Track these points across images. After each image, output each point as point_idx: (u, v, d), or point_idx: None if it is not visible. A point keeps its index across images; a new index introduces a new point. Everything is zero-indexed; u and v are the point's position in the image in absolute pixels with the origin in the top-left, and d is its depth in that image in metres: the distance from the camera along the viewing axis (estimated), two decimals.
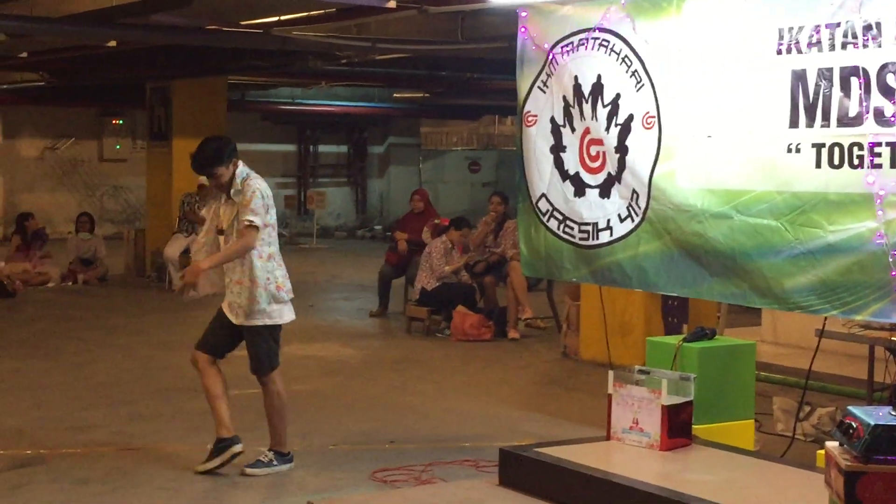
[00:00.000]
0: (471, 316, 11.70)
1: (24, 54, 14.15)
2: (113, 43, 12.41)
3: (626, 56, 6.26)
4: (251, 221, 6.58)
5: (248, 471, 6.67)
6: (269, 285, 6.66)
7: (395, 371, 10.16)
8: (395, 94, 23.30)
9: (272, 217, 6.73)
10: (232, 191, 6.69)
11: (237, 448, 6.72)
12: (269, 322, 6.71)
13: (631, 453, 5.79)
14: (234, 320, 6.73)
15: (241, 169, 6.74)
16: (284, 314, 6.77)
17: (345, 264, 19.22)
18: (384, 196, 27.05)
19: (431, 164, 27.17)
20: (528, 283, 11.84)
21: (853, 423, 3.88)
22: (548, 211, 6.87)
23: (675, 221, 6.05)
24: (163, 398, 8.78)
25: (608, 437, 5.99)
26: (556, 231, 6.83)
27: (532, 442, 6.62)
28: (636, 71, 6.20)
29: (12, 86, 19.62)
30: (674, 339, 6.60)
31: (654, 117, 6.11)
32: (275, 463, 6.74)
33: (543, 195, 6.88)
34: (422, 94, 22.39)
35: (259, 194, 6.63)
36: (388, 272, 13.31)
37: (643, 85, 6.17)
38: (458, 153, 27.33)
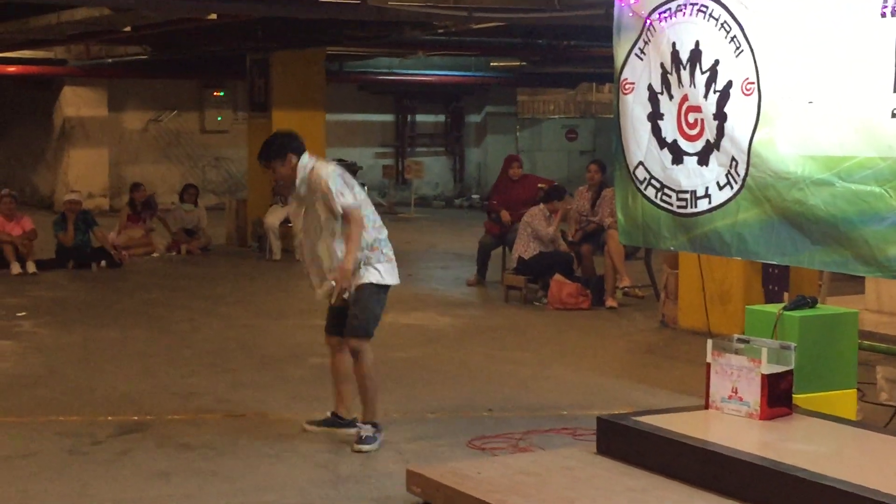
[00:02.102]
0: (568, 285, 11.68)
1: (128, 28, 14.39)
2: (213, 16, 12.57)
3: (724, 21, 6.18)
4: (344, 205, 6.61)
5: (357, 447, 6.65)
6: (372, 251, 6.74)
7: (493, 339, 10.20)
8: (491, 63, 23.25)
9: (357, 192, 6.75)
10: (297, 184, 6.76)
11: (351, 431, 6.81)
12: (377, 282, 6.76)
13: (730, 422, 5.75)
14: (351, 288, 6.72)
15: (304, 161, 6.76)
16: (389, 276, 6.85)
17: (442, 233, 19.29)
18: (481, 165, 27.05)
19: (528, 133, 27.09)
20: (625, 251, 11.77)
21: None
22: (645, 179, 6.83)
23: (776, 189, 5.97)
24: (264, 366, 8.93)
25: (707, 406, 5.96)
26: (654, 199, 6.78)
27: (630, 410, 6.62)
28: (735, 36, 6.12)
29: (117, 59, 20.01)
30: (774, 308, 6.53)
31: (753, 83, 6.03)
32: (377, 435, 6.73)
33: (641, 163, 6.83)
34: (519, 63, 22.31)
35: (332, 178, 6.63)
36: (489, 242, 13.33)
37: (742, 51, 6.08)
38: (556, 121, 27.20)
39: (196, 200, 16.60)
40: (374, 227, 6.79)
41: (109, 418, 7.32)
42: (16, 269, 13.68)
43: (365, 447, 6.63)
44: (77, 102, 22.30)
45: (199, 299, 12.25)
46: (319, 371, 8.48)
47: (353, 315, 6.74)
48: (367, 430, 6.71)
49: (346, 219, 6.64)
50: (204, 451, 6.64)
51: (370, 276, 6.73)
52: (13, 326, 10.54)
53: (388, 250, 6.85)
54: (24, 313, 11.14)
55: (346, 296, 6.72)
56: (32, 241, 14.11)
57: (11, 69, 21.05)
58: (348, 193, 6.65)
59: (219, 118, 23.93)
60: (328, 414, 7.00)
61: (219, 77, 22.68)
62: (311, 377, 8.49)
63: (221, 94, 23.81)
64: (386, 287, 6.84)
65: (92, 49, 20.07)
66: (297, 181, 6.75)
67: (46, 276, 13.69)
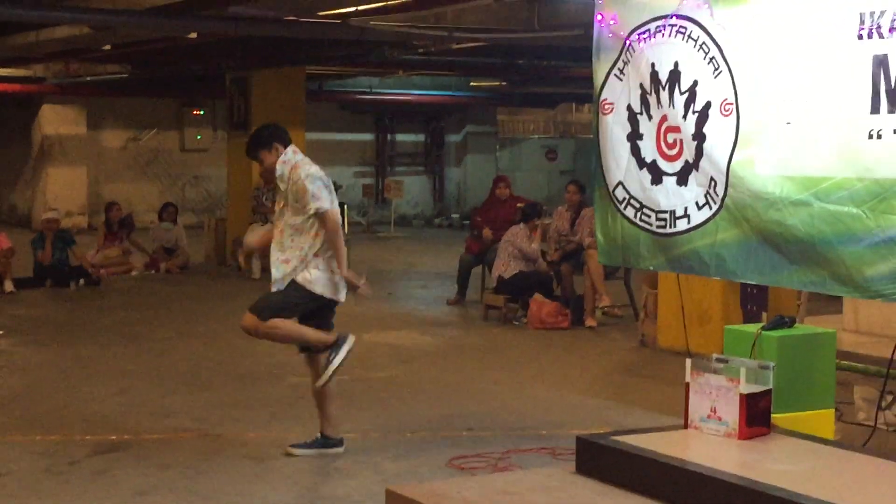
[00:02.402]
0: (548, 304, 11.69)
1: (108, 47, 14.38)
2: (193, 35, 12.58)
3: (703, 42, 6.22)
4: (318, 208, 6.68)
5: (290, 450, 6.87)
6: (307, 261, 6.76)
7: (473, 359, 10.19)
8: (471, 83, 23.31)
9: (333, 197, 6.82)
10: (278, 173, 6.82)
11: (340, 450, 6.89)
12: (302, 283, 6.76)
13: (709, 442, 5.75)
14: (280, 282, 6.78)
15: (289, 154, 6.86)
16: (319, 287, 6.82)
17: (422, 253, 19.29)
18: (461, 184, 27.08)
19: (508, 153, 27.15)
20: (604, 271, 11.80)
21: None
22: (624, 199, 6.84)
23: (754, 209, 6.00)
24: (243, 385, 8.90)
25: (686, 426, 5.96)
26: (633, 219, 6.79)
27: (609, 430, 6.62)
28: (714, 57, 6.15)
29: (96, 78, 19.98)
30: (753, 328, 6.54)
31: (732, 104, 6.06)
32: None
33: (620, 183, 6.85)
34: (499, 83, 22.37)
35: (312, 178, 6.72)
36: (469, 260, 13.34)
37: (721, 71, 6.12)
38: (535, 141, 27.27)
39: (175, 219, 16.57)
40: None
41: (87, 437, 7.28)
42: None
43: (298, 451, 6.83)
44: (56, 120, 22.25)
45: (177, 318, 12.21)
46: (298, 390, 8.46)
47: (264, 296, 6.86)
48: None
49: (323, 223, 6.69)
50: (182, 470, 6.61)
51: (303, 276, 6.74)
52: None
53: (333, 264, 6.81)
54: (1, 332, 11.07)
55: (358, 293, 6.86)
56: (10, 259, 14.04)
57: None
58: (326, 198, 6.71)
59: (198, 137, 23.91)
60: (317, 435, 6.97)
61: (198, 96, 22.67)
62: (289, 396, 8.47)
63: (201, 112, 23.79)
64: (314, 295, 6.79)
65: (71, 67, 20.04)
66: (278, 173, 6.81)
67: (24, 295, 13.63)
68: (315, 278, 6.76)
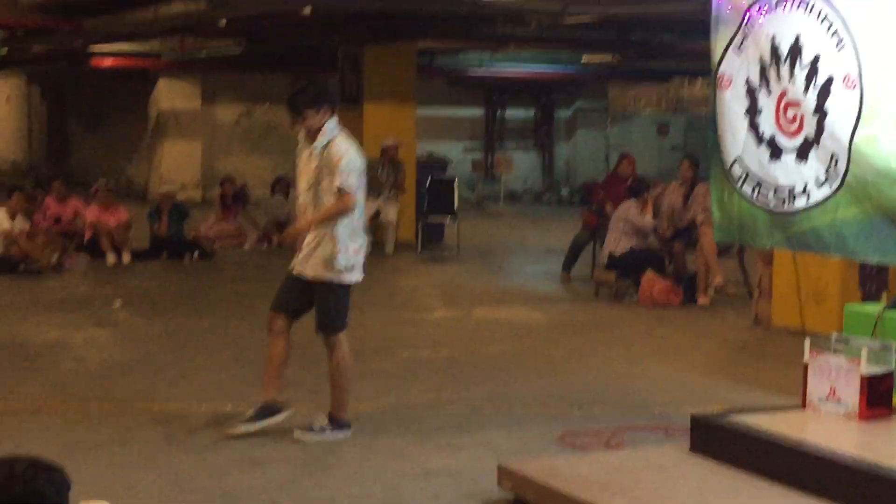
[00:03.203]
0: (659, 281, 11.58)
1: (223, 22, 14.56)
2: (308, 10, 12.67)
3: (826, 15, 6.07)
4: (343, 188, 6.49)
5: (298, 435, 6.65)
6: (347, 249, 6.60)
7: (583, 335, 10.15)
8: (583, 58, 23.12)
9: (361, 187, 6.60)
10: (317, 143, 6.57)
11: (282, 416, 6.76)
12: (340, 281, 6.65)
13: (827, 423, 5.66)
14: (308, 274, 6.66)
15: (332, 125, 6.58)
16: (355, 275, 6.70)
17: (532, 228, 19.24)
18: (571, 161, 26.92)
19: (619, 128, 26.90)
20: (717, 248, 11.64)
21: None
22: (742, 175, 6.73)
23: (877, 186, 5.85)
24: (355, 358, 8.93)
25: (803, 406, 5.87)
26: (751, 196, 6.68)
27: (722, 409, 6.54)
28: (837, 30, 6.01)
29: (211, 53, 20.25)
30: (874, 307, 6.41)
31: (855, 78, 5.91)
32: (327, 430, 6.68)
33: (737, 159, 6.73)
34: (611, 58, 22.15)
35: (348, 159, 6.50)
36: (583, 237, 13.25)
37: (844, 45, 5.97)
38: (647, 117, 26.97)
39: (287, 193, 16.74)
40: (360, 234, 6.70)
41: (204, 407, 7.42)
42: (111, 259, 13.92)
43: (303, 436, 6.66)
44: (171, 95, 22.62)
45: None
46: (410, 364, 8.52)
47: (319, 313, 6.74)
48: (319, 421, 6.74)
49: (337, 198, 6.49)
50: (295, 439, 6.68)
51: (339, 276, 6.64)
52: (109, 316, 10.72)
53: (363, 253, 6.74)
54: (119, 303, 11.32)
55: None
56: (128, 231, 14.35)
57: (108, 62, 21.43)
58: (354, 180, 6.51)
59: None
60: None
61: (310, 70, 22.85)
62: (401, 368, 8.52)
63: None
64: (349, 286, 6.72)
65: (186, 43, 20.35)
66: (318, 141, 6.56)
67: (141, 267, 13.91)
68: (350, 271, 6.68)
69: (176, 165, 22.48)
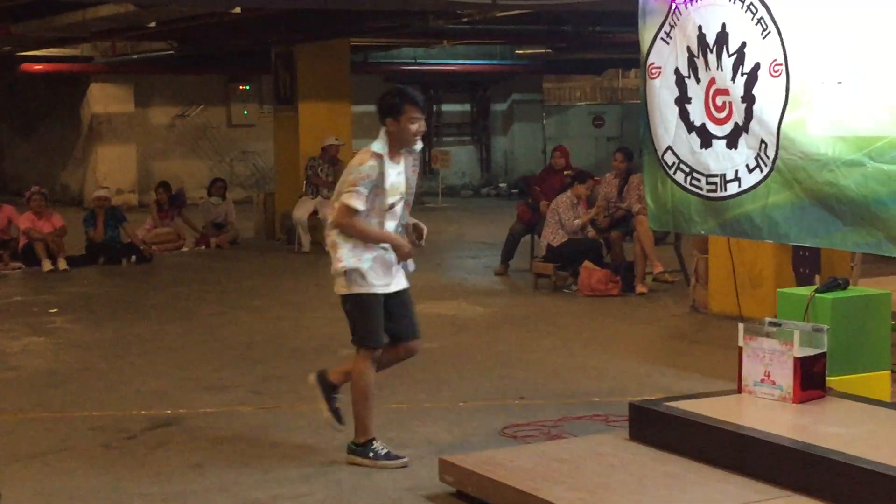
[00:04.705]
0: (598, 271, 11.65)
1: (153, 24, 14.43)
2: (237, 10, 12.59)
3: (751, 3, 6.14)
4: (342, 201, 6.13)
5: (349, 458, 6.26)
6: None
7: (523, 327, 10.18)
8: (517, 51, 23.19)
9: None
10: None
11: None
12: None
13: (763, 406, 5.73)
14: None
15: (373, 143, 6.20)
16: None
17: (470, 223, 19.27)
18: (508, 154, 26.99)
19: (555, 121, 27.01)
20: (654, 236, 11.74)
21: None
22: (674, 163, 6.80)
23: (806, 171, 5.93)
24: (295, 358, 8.95)
25: (739, 391, 5.94)
26: (683, 183, 6.74)
27: (662, 396, 6.60)
28: (762, 18, 6.08)
29: (143, 55, 20.07)
30: (806, 290, 6.49)
31: (781, 65, 5.98)
32: (370, 454, 6.18)
33: (669, 147, 6.80)
34: (544, 50, 22.24)
35: (353, 171, 6.12)
36: (519, 229, 13.30)
37: (769, 32, 6.04)
38: (582, 108, 27.11)
39: (224, 194, 16.66)
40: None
41: (143, 412, 7.36)
42: (47, 266, 13.76)
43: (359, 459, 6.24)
44: (104, 99, 22.40)
45: (228, 293, 12.28)
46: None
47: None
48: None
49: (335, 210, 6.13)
50: (238, 443, 6.66)
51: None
52: (46, 323, 10.60)
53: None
54: (56, 310, 11.20)
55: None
56: (63, 237, 14.19)
57: (39, 67, 21.19)
58: (357, 197, 6.05)
59: (245, 112, 23.98)
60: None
61: (245, 71, 22.72)
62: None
63: (248, 87, 23.84)
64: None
65: (118, 45, 20.16)
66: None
67: (77, 273, 13.77)
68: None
69: (111, 170, 22.26)
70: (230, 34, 16.76)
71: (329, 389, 6.44)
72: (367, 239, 6.14)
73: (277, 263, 14.63)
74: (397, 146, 6.25)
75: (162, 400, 7.67)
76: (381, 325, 6.23)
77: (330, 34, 16.17)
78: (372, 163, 6.10)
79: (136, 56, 20.25)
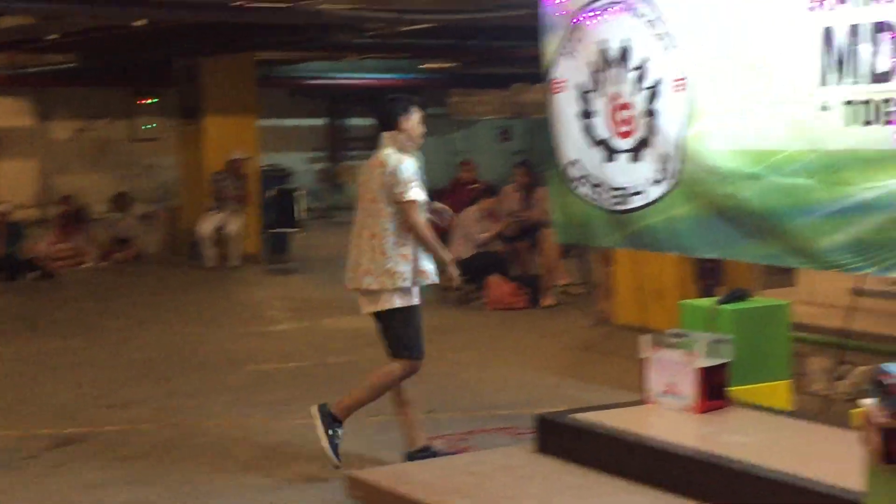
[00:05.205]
0: (505, 284, 11.70)
1: (55, 36, 14.21)
2: (142, 22, 12.45)
3: (652, 19, 6.22)
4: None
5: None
6: None
7: (430, 341, 10.07)
8: (421, 66, 23.22)
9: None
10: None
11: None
12: None
13: (667, 417, 5.79)
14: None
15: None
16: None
17: None
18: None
19: (463, 135, 27.10)
20: (560, 249, 11.81)
21: (887, 380, 3.86)
22: (578, 177, 6.85)
23: (707, 184, 6.02)
24: (200, 374, 8.85)
25: (644, 402, 5.99)
26: (588, 197, 6.80)
27: (569, 408, 6.63)
28: (663, 33, 6.16)
29: (43, 68, 19.72)
30: (708, 302, 6.58)
31: (682, 79, 6.06)
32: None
33: (573, 161, 6.85)
34: (450, 64, 22.31)
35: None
36: None
37: (671, 47, 6.12)
38: (489, 122, 27.23)
39: (127, 209, 16.43)
40: None
41: (45, 431, 7.21)
42: None
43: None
44: (3, 113, 21.96)
45: (132, 308, 12.12)
46: (257, 377, 8.44)
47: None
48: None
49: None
50: (141, 460, 6.56)
51: None
52: None
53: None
54: None
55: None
56: None
57: None
58: (419, 191, 6.46)
59: (149, 126, 23.69)
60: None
61: (149, 84, 22.44)
62: (247, 383, 8.43)
63: (153, 101, 23.56)
64: None
65: (18, 58, 19.79)
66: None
67: None
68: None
69: (10, 185, 21.81)
70: (134, 47, 16.55)
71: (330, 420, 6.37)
72: (428, 246, 6.39)
73: (182, 279, 14.46)
74: (405, 148, 6.47)
75: (65, 418, 7.53)
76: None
77: (235, 48, 16.04)
78: (409, 160, 6.39)
79: (36, 69, 19.89)
